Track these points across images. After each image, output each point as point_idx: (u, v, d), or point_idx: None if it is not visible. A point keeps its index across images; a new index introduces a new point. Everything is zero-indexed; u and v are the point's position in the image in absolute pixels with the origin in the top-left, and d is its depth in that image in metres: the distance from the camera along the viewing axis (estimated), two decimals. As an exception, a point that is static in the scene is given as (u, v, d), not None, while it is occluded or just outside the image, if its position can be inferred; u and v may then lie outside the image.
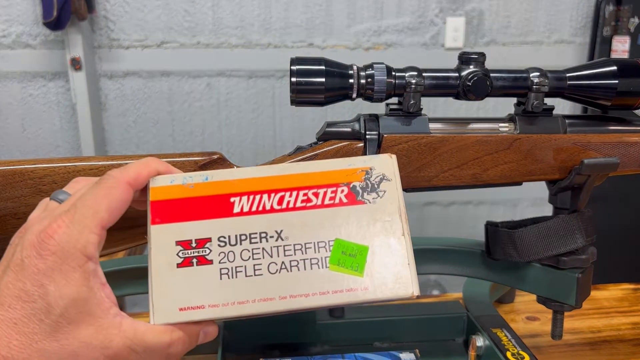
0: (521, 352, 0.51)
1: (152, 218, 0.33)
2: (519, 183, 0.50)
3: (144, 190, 0.34)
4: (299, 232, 0.33)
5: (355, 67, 0.45)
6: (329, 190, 0.34)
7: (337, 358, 0.51)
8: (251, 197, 0.33)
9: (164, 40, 1.79)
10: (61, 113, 1.81)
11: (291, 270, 0.32)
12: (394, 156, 0.35)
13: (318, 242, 0.33)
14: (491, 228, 0.53)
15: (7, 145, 1.80)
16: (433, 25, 1.88)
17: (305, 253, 0.33)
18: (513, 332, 0.55)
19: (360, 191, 0.34)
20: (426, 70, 0.46)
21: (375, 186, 0.34)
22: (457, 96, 0.48)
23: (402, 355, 0.51)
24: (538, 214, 0.54)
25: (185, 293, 0.32)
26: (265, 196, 0.34)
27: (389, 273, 0.33)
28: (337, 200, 0.34)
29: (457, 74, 0.47)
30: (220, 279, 0.32)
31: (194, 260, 0.32)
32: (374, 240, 0.33)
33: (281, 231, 0.33)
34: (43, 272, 0.29)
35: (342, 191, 0.34)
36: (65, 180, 0.42)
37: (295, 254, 0.33)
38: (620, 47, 1.82)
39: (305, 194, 0.34)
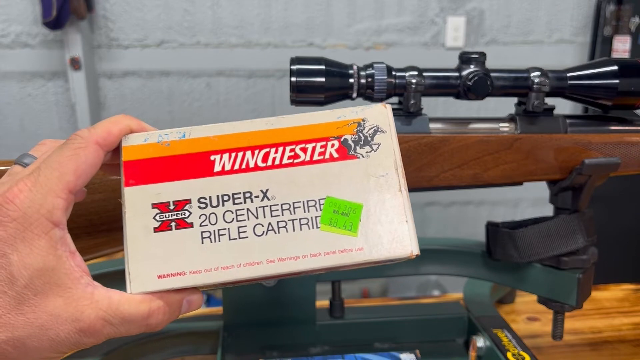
0: (522, 352, 0.51)
1: (126, 179, 0.31)
2: (520, 183, 0.50)
3: (117, 152, 0.32)
4: (286, 191, 0.31)
5: (355, 67, 0.45)
6: (318, 144, 0.31)
7: (337, 359, 0.51)
8: (233, 154, 0.31)
9: (164, 39, 1.78)
10: (60, 113, 1.81)
11: (279, 232, 0.30)
12: (388, 106, 0.33)
13: (308, 201, 0.31)
14: (492, 228, 0.53)
15: (6, 145, 1.80)
16: (433, 25, 1.88)
17: (294, 213, 0.31)
18: (514, 332, 0.55)
19: (353, 145, 0.32)
20: (426, 70, 0.46)
21: (369, 139, 0.32)
22: (457, 96, 0.48)
23: (403, 356, 0.51)
24: (539, 214, 0.54)
25: (164, 259, 0.30)
26: (248, 153, 0.31)
27: (386, 232, 0.30)
28: (327, 156, 0.31)
29: (457, 74, 0.46)
30: (202, 243, 0.30)
31: (173, 224, 0.30)
32: (368, 197, 0.31)
33: (267, 190, 0.31)
34: (4, 241, 0.27)
35: (333, 145, 0.31)
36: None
37: (283, 215, 0.30)
38: (621, 46, 1.82)
39: (292, 150, 0.31)
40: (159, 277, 0.30)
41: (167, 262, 0.30)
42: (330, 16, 1.83)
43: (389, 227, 0.30)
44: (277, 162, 0.31)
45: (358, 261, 0.30)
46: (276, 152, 0.31)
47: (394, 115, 0.47)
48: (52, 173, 0.28)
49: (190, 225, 0.30)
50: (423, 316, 0.60)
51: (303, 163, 0.31)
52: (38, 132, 1.81)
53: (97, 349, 0.54)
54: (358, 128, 0.32)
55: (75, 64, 1.71)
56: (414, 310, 0.62)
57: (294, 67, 0.44)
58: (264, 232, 0.30)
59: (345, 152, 0.31)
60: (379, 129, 0.32)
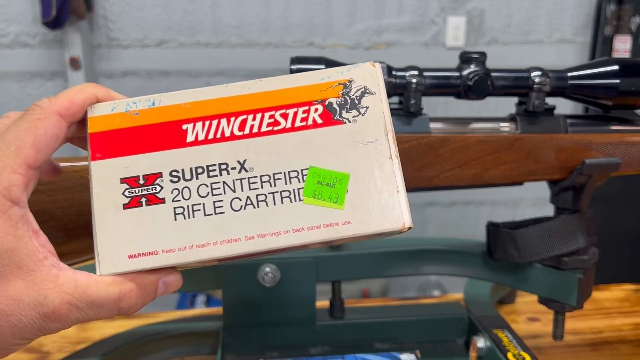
0: (522, 353, 0.51)
1: (92, 153, 0.29)
2: (520, 183, 0.49)
3: (83, 123, 0.29)
4: (265, 162, 0.28)
5: (355, 67, 0.45)
6: (300, 110, 0.29)
7: (337, 359, 0.50)
8: (207, 122, 0.29)
9: (164, 39, 1.78)
10: (61, 113, 1.81)
11: (258, 206, 0.28)
12: (377, 64, 0.30)
13: (289, 172, 0.28)
14: (492, 228, 0.53)
15: (6, 145, 1.80)
16: (434, 25, 1.87)
17: (274, 185, 0.28)
18: (514, 333, 0.55)
19: (338, 109, 0.29)
20: (427, 70, 0.46)
21: (356, 102, 0.29)
22: (458, 96, 0.47)
23: (403, 356, 0.51)
24: (539, 214, 0.54)
25: (135, 238, 0.28)
26: (223, 121, 0.29)
27: (375, 203, 0.28)
28: (310, 122, 0.29)
29: (458, 74, 0.46)
30: (175, 219, 0.28)
31: (143, 200, 0.28)
32: (356, 166, 0.28)
33: (244, 161, 0.28)
34: None
35: (316, 110, 0.29)
36: (63, 179, 0.42)
37: (262, 187, 0.28)
38: (622, 46, 1.82)
39: (271, 116, 0.29)
40: (130, 257, 0.28)
41: (139, 241, 0.28)
42: (330, 16, 1.82)
43: (379, 198, 0.28)
44: (255, 130, 0.29)
45: (345, 236, 0.28)
46: (254, 119, 0.29)
47: (395, 114, 0.47)
48: (8, 147, 0.26)
49: (162, 200, 0.28)
50: (423, 316, 0.60)
51: (284, 130, 0.29)
52: (38, 132, 1.81)
53: (97, 349, 0.54)
54: (344, 90, 0.29)
55: (75, 63, 1.70)
56: (414, 310, 0.62)
57: (294, 67, 0.44)
58: (241, 206, 0.28)
59: (329, 117, 0.29)
60: (367, 91, 0.29)
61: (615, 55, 1.84)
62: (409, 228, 0.28)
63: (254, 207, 0.28)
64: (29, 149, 0.27)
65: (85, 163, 0.30)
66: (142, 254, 0.28)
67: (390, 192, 0.28)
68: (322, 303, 0.59)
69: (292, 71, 0.43)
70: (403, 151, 0.46)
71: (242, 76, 1.83)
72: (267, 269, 0.54)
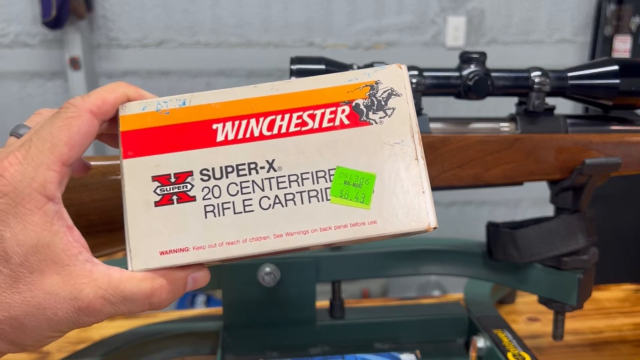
0: (522, 353, 0.51)
1: (124, 151, 0.29)
2: (521, 183, 0.49)
3: (114, 121, 0.30)
4: (294, 161, 0.29)
5: (355, 67, 0.45)
6: (328, 110, 0.29)
7: (337, 359, 0.50)
8: (237, 122, 0.29)
9: (163, 39, 1.78)
10: (61, 112, 1.81)
11: (286, 205, 0.29)
12: (404, 66, 0.30)
13: (317, 172, 0.29)
14: (492, 228, 0.53)
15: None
16: (434, 25, 1.88)
17: (302, 185, 0.29)
18: (514, 333, 0.55)
19: (365, 110, 0.29)
20: (427, 70, 0.46)
21: (383, 103, 0.30)
22: (458, 96, 0.47)
23: (403, 356, 0.51)
24: (539, 214, 0.54)
25: (166, 235, 0.28)
26: (252, 121, 0.29)
27: (401, 203, 0.28)
28: (337, 122, 0.29)
29: (458, 74, 0.46)
30: (205, 217, 0.28)
31: (174, 197, 0.29)
32: (382, 166, 0.29)
33: (273, 161, 0.29)
34: None
35: (343, 111, 0.29)
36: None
37: (290, 186, 0.29)
38: (622, 46, 1.82)
39: (299, 117, 0.29)
40: (161, 253, 0.28)
41: (170, 238, 0.28)
42: (330, 16, 1.82)
43: (405, 198, 0.28)
44: (283, 130, 0.29)
45: (371, 235, 0.28)
46: (282, 119, 0.29)
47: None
48: (44, 144, 0.27)
49: (193, 198, 0.29)
50: (423, 316, 0.60)
51: (311, 131, 0.29)
52: (38, 132, 1.81)
53: (97, 349, 0.54)
54: (371, 92, 0.30)
55: (74, 63, 1.70)
56: (414, 310, 0.62)
57: (294, 67, 0.44)
58: (270, 205, 0.29)
59: (356, 118, 0.29)
60: (394, 92, 0.30)
61: (615, 55, 1.84)
62: (434, 228, 0.29)
63: (282, 206, 0.29)
64: (63, 147, 0.27)
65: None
66: (173, 250, 0.28)
67: (416, 192, 0.29)
68: (322, 303, 0.59)
69: (291, 71, 0.43)
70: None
71: (242, 76, 1.83)
72: (267, 269, 0.54)
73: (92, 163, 0.43)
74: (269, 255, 0.29)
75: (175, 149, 0.29)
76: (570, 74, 0.47)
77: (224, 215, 0.29)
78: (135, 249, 0.29)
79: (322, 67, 0.44)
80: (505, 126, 0.48)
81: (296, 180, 0.29)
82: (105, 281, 0.27)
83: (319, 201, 0.29)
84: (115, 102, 0.29)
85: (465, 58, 0.47)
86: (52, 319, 0.27)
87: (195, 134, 0.29)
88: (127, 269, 0.28)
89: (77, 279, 0.27)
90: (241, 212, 0.29)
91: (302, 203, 0.29)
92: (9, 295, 0.26)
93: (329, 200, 0.29)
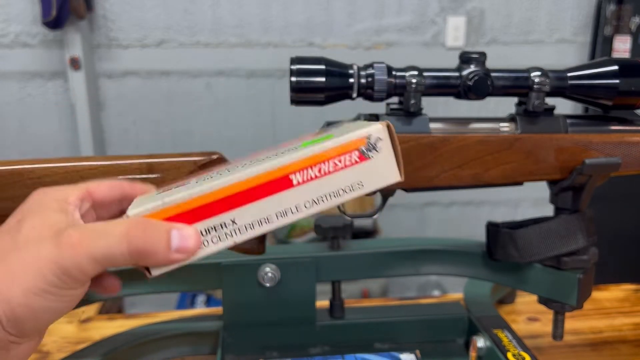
0: (522, 353, 0.51)
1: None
2: (520, 183, 0.49)
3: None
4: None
5: (355, 67, 0.45)
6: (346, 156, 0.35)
7: (337, 359, 0.51)
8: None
9: (163, 39, 1.78)
10: (60, 113, 1.81)
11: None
12: (384, 123, 0.36)
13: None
14: (492, 228, 0.53)
15: (5, 145, 1.80)
16: (434, 25, 1.88)
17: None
18: (514, 332, 0.55)
19: (366, 151, 0.36)
20: (427, 70, 0.46)
21: (374, 146, 0.36)
22: (457, 96, 0.47)
23: (403, 356, 0.51)
24: (539, 214, 0.54)
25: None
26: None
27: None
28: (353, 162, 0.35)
29: (457, 74, 0.46)
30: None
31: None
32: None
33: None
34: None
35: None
36: (64, 180, 0.42)
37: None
38: (622, 46, 1.82)
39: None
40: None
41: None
42: (330, 16, 1.82)
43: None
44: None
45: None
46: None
47: (395, 114, 0.47)
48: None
49: None
50: (423, 316, 0.60)
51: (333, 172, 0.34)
52: (38, 132, 1.81)
53: (97, 349, 0.54)
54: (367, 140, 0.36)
55: (75, 63, 1.70)
56: (414, 310, 0.62)
57: (294, 67, 0.44)
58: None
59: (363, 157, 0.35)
60: (379, 138, 0.35)
61: (615, 55, 1.84)
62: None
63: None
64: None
65: None
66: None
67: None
68: (322, 303, 0.59)
69: (291, 71, 0.43)
70: (403, 151, 0.46)
71: (242, 76, 1.84)
72: (267, 269, 0.54)
73: (96, 163, 0.43)
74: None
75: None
76: (570, 74, 0.47)
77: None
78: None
79: (322, 67, 0.44)
80: (505, 126, 0.48)
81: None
82: (90, 224, 0.31)
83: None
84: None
85: (465, 58, 0.47)
86: (37, 256, 0.29)
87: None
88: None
89: (57, 224, 0.30)
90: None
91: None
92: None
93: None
